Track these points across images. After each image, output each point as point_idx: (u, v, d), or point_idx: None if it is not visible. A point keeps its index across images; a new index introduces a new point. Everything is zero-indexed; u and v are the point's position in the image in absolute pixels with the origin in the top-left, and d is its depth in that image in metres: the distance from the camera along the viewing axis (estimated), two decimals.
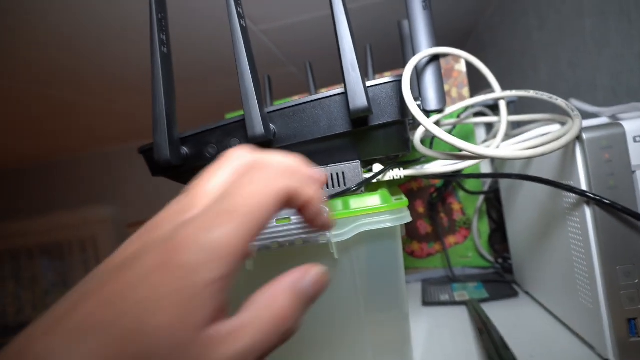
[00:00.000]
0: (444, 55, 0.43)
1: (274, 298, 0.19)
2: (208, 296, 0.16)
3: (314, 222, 0.24)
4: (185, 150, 0.42)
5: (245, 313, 0.18)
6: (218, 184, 0.21)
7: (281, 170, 0.21)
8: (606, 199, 0.34)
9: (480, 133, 0.70)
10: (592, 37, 0.73)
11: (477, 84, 0.79)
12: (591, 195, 0.35)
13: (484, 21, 1.35)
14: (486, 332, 0.43)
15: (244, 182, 0.20)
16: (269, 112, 0.39)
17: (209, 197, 0.20)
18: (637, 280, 0.35)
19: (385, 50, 1.18)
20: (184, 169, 0.43)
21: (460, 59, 0.69)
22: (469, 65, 0.80)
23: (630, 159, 0.34)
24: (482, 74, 0.45)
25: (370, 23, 1.16)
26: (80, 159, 2.83)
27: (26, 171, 2.86)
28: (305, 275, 0.21)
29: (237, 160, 0.22)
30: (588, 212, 0.36)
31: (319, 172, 0.24)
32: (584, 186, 0.36)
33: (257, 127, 0.37)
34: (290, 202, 0.21)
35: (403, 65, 0.56)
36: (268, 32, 1.14)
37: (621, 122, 0.35)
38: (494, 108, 0.66)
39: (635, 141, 0.34)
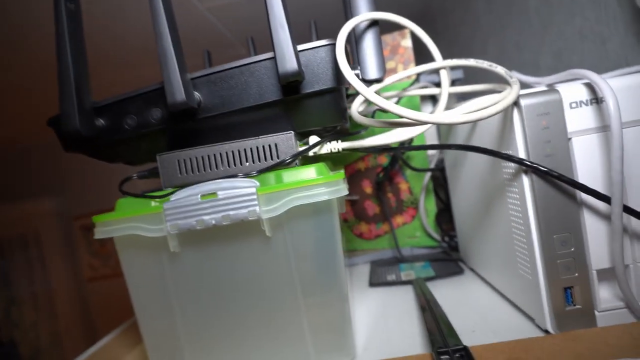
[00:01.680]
0: (384, 21, 0.41)
1: None
2: None
3: None
4: (100, 121, 0.38)
5: None
6: None
7: None
8: (543, 167, 0.33)
9: (427, 109, 0.69)
10: (537, 16, 0.74)
11: (424, 60, 0.78)
12: (528, 163, 0.34)
13: (436, 5, 1.35)
14: (428, 310, 0.42)
15: None
16: (192, 79, 0.36)
17: None
18: (573, 249, 0.34)
19: (333, 28, 1.16)
20: (101, 142, 0.39)
21: (407, 35, 0.68)
22: (416, 42, 0.79)
23: (567, 125, 0.34)
24: (427, 48, 0.43)
25: None
26: (22, 148, 2.64)
27: None
28: None
29: None
30: (526, 181, 0.35)
31: None
32: (522, 154, 0.35)
33: (178, 93, 0.33)
34: None
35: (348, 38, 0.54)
36: (214, 9, 1.08)
37: (557, 89, 0.34)
38: (440, 85, 0.65)
39: (571, 107, 0.34)
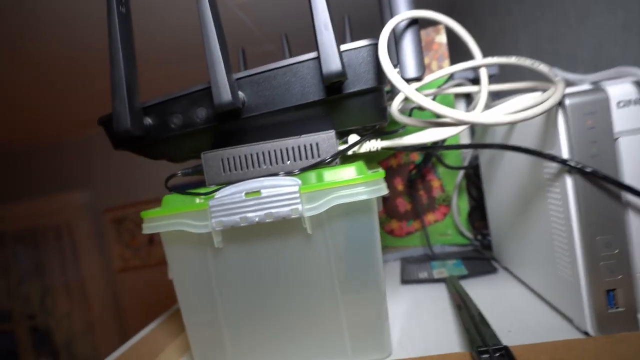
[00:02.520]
0: (423, 19, 0.41)
1: None
2: None
3: None
4: (148, 120, 0.39)
5: None
6: None
7: None
8: (588, 167, 0.33)
9: (461, 107, 0.69)
10: (573, 8, 0.72)
11: (458, 56, 0.77)
12: (572, 164, 0.33)
13: None
14: (464, 308, 0.42)
15: None
16: (237, 79, 0.37)
17: None
18: (617, 251, 0.34)
19: (366, 24, 1.15)
20: (148, 141, 0.40)
21: (441, 31, 0.67)
22: (450, 37, 0.78)
23: (614, 125, 0.33)
24: (463, 43, 0.43)
25: None
26: (56, 144, 2.74)
27: None
28: None
29: None
30: (569, 181, 0.35)
31: None
32: (565, 154, 0.34)
33: (224, 94, 0.34)
34: None
35: None
36: (244, 6, 1.10)
37: (604, 88, 0.34)
38: (475, 82, 0.65)
39: (618, 107, 0.33)
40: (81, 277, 2.65)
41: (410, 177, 0.68)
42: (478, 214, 0.68)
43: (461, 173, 0.66)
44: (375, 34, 1.20)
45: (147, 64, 1.34)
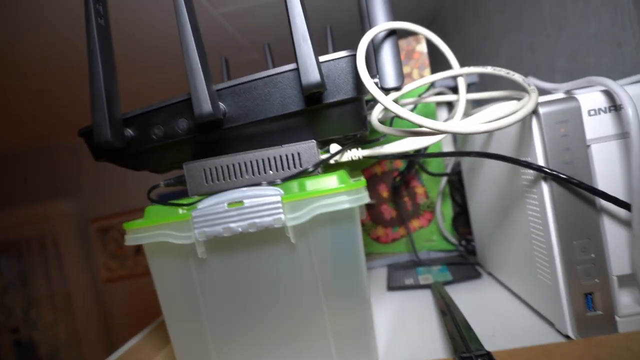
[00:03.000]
0: (402, 30, 0.42)
1: None
2: None
3: None
4: (129, 132, 0.39)
5: None
6: None
7: None
8: (562, 174, 0.34)
9: (442, 114, 0.70)
10: (550, 18, 0.74)
11: (439, 65, 0.79)
12: (548, 171, 0.34)
13: (447, 7, 1.35)
14: (449, 314, 0.42)
15: None
16: (217, 90, 0.37)
17: None
18: (593, 255, 0.34)
19: (348, 33, 1.16)
20: (129, 152, 0.40)
21: (421, 40, 0.68)
22: (431, 46, 0.79)
23: (585, 133, 0.34)
24: (443, 54, 0.44)
25: (330, 3, 1.14)
26: (40, 150, 2.69)
27: None
28: None
29: None
30: (545, 187, 0.35)
31: None
32: (540, 161, 0.35)
33: (205, 105, 0.35)
34: None
35: None
36: (228, 15, 1.10)
37: (576, 96, 0.34)
38: (455, 90, 0.66)
39: (589, 115, 0.34)
40: (66, 288, 2.61)
41: (395, 184, 0.69)
42: (462, 219, 0.69)
43: (444, 179, 0.67)
44: (356, 43, 1.22)
45: (134, 70, 1.33)
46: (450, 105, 0.70)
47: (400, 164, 0.69)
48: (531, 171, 0.37)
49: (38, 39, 1.03)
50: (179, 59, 1.31)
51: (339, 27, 1.24)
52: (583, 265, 0.35)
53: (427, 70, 0.68)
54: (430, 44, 0.69)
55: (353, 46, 0.37)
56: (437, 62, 0.75)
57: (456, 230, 0.68)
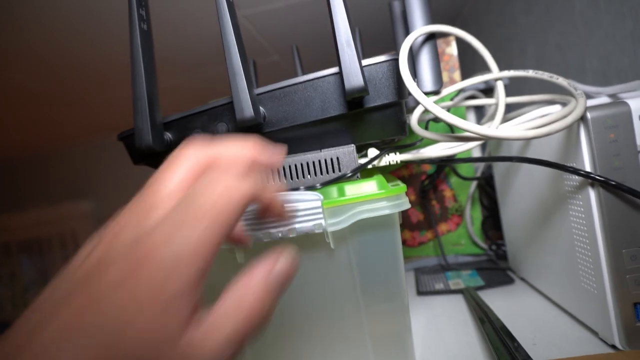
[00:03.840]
0: (441, 33, 0.42)
1: (245, 293, 0.20)
2: (181, 303, 0.17)
3: (270, 214, 0.25)
4: (168, 136, 0.39)
5: (219, 310, 0.19)
6: (177, 184, 0.20)
7: (242, 168, 0.21)
8: (612, 180, 0.33)
9: (471, 118, 0.69)
10: (581, 18, 0.72)
11: (468, 68, 0.78)
12: (596, 177, 0.33)
13: (469, 6, 1.34)
14: (488, 322, 0.42)
15: (206, 184, 0.19)
16: (258, 94, 0.37)
17: (170, 199, 0.20)
18: None
19: (373, 36, 1.15)
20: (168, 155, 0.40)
21: (451, 42, 0.68)
22: (460, 48, 0.79)
23: (636, 138, 0.33)
24: (477, 56, 0.43)
25: (358, 7, 1.13)
26: (59, 152, 2.74)
27: (3, 166, 2.76)
28: (275, 263, 0.21)
29: (192, 157, 0.21)
30: (593, 194, 0.35)
31: (277, 156, 0.25)
32: (588, 167, 0.34)
33: (246, 109, 0.35)
34: (253, 202, 0.21)
35: (393, 49, 0.54)
36: (250, 17, 1.10)
37: (626, 100, 0.34)
38: (486, 92, 0.65)
39: None
40: None
41: (423, 187, 0.68)
42: (491, 223, 0.68)
43: (474, 183, 0.66)
44: (382, 47, 1.21)
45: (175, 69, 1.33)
46: (477, 109, 0.69)
47: (428, 167, 0.68)
48: (576, 177, 0.36)
49: (61, 41, 1.04)
50: (214, 58, 1.31)
51: (365, 29, 1.24)
52: (632, 275, 0.34)
53: (457, 73, 0.67)
54: (459, 46, 0.68)
55: (380, 51, 0.37)
56: (466, 64, 0.74)
57: (485, 235, 0.67)
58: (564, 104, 0.39)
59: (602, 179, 0.33)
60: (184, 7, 0.95)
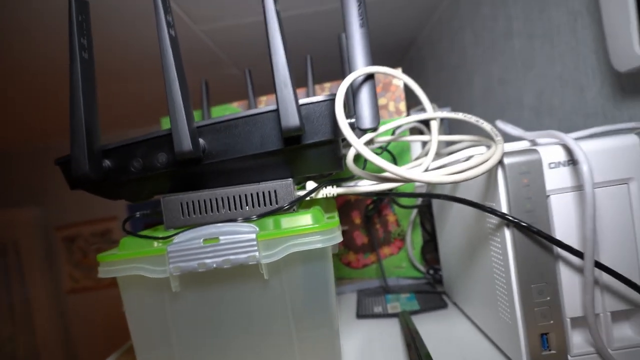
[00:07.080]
0: (380, 73, 0.44)
1: None
2: None
3: None
4: (107, 163, 0.39)
5: None
6: None
7: None
8: (523, 222, 0.36)
9: (417, 147, 0.72)
10: (520, 57, 0.78)
11: (414, 98, 0.81)
12: (510, 218, 0.36)
13: (424, 34, 1.40)
14: (414, 348, 0.44)
15: None
16: (198, 127, 0.38)
17: None
18: (549, 298, 0.37)
19: (326, 59, 1.18)
20: (106, 183, 0.40)
21: None
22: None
23: (546, 184, 0.37)
24: (425, 85, 0.46)
25: (311, 32, 1.16)
26: (4, 155, 2.60)
27: None
28: None
29: None
30: (507, 233, 0.38)
31: None
32: (504, 208, 0.37)
33: (185, 142, 0.35)
34: None
35: (343, 76, 0.56)
36: (209, 32, 1.11)
37: (537, 149, 0.37)
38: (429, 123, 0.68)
39: (550, 167, 0.37)
40: (27, 299, 2.51)
41: (367, 212, 0.71)
42: (431, 246, 0.71)
43: (415, 210, 0.69)
44: (334, 70, 1.23)
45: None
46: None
47: None
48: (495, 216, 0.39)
49: (7, 45, 1.01)
50: (155, 73, 1.30)
51: (318, 53, 1.27)
52: (540, 307, 0.37)
53: (403, 103, 0.70)
54: (408, 75, 0.71)
55: (332, 74, 0.39)
56: (413, 94, 0.77)
57: (424, 258, 0.71)
58: (488, 146, 0.43)
59: (515, 220, 0.36)
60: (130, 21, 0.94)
